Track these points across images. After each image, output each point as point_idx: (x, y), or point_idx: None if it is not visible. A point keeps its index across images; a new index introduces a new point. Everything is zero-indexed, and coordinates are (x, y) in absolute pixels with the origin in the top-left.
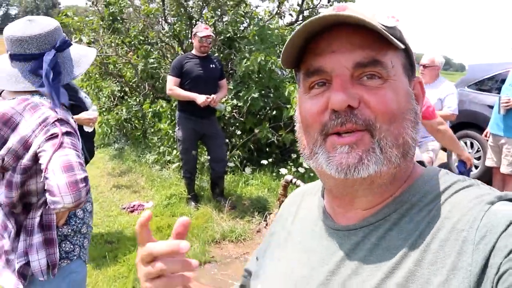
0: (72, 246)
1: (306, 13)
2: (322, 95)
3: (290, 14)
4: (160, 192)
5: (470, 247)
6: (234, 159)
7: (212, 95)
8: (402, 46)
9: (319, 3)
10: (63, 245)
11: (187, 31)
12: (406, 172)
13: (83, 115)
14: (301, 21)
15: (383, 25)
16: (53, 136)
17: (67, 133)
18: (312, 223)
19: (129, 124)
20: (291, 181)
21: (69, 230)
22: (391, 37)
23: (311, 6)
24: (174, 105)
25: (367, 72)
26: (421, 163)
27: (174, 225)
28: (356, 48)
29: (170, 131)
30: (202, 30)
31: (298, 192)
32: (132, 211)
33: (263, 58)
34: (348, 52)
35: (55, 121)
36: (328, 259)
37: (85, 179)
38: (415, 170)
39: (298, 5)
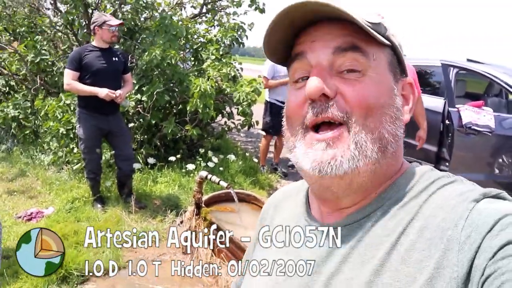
0: None
1: (209, 6)
2: (304, 88)
3: (193, 7)
4: (60, 196)
5: (455, 246)
6: (140, 157)
7: (118, 91)
8: (385, 42)
9: None
10: None
11: (81, 20)
12: (388, 169)
13: None
14: (204, 13)
15: (367, 21)
16: None
17: None
18: (295, 222)
19: (16, 123)
20: (206, 177)
21: None
22: (372, 30)
23: None
24: (66, 100)
25: (347, 65)
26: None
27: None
28: (336, 37)
29: (62, 129)
30: (112, 18)
31: (278, 194)
32: (29, 220)
33: (157, 53)
34: (328, 40)
35: None
36: (311, 258)
37: None
38: (402, 167)
39: None
